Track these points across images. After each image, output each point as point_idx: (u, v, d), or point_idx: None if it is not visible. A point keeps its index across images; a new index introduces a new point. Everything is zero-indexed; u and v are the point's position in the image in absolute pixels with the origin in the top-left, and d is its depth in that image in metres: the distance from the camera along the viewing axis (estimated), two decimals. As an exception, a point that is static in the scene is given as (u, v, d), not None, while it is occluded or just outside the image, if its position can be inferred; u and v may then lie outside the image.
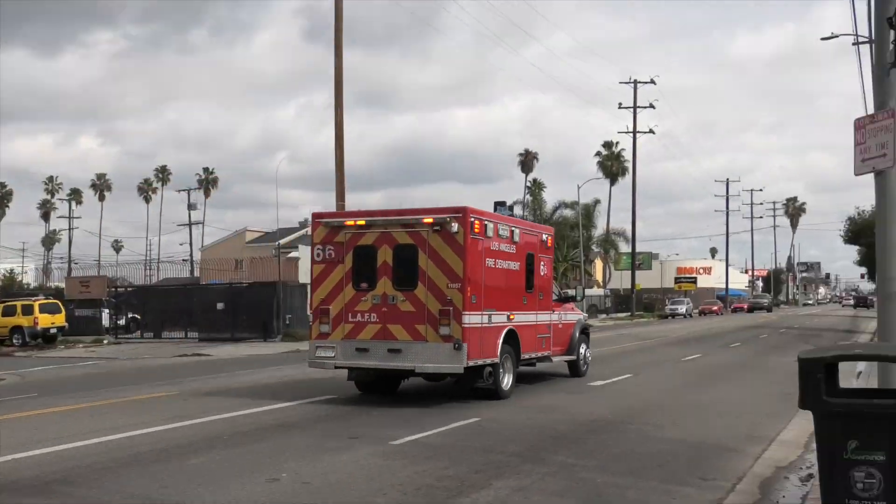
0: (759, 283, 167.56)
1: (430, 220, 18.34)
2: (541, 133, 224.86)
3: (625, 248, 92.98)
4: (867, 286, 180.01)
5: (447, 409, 17.40)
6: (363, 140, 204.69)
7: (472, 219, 18.47)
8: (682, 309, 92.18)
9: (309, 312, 20.14)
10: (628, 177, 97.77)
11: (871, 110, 12.25)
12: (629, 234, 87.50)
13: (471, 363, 18.12)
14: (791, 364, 16.95)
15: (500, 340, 19.10)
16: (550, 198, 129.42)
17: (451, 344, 17.94)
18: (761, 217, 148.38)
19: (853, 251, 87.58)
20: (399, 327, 18.46)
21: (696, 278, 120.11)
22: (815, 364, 8.16)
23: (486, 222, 18.94)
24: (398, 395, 19.96)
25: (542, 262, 21.65)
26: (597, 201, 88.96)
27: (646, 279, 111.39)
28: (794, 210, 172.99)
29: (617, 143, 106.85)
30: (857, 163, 11.60)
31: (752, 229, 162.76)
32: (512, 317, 19.79)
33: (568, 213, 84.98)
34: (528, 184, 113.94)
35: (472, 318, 18.14)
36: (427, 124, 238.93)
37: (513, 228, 20.14)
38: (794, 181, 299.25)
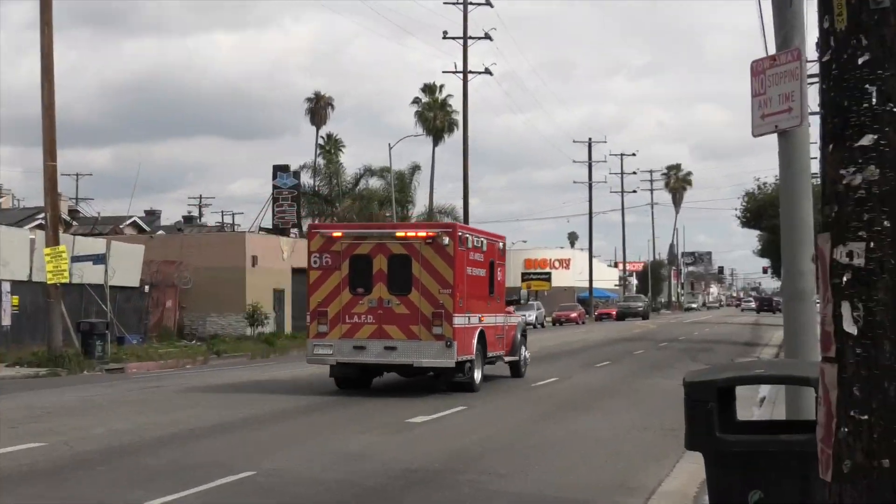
0: (634, 282, 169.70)
1: (424, 235, 27.83)
2: (337, 71, 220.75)
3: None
4: (771, 284, 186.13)
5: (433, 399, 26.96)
6: (84, 74, 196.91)
7: (461, 233, 28.30)
8: (531, 316, 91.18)
9: (308, 314, 28.41)
10: (458, 134, 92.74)
11: (772, 50, 12.56)
12: (460, 212, 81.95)
13: (459, 359, 27.54)
14: (674, 389, 17.72)
15: (475, 340, 28.80)
16: (352, 161, 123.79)
17: (444, 342, 27.30)
18: (635, 191, 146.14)
19: (753, 237, 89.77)
20: (394, 327, 27.61)
21: (550, 274, 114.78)
22: (706, 389, 8.26)
23: (467, 236, 28.82)
24: (374, 388, 29.36)
25: (498, 269, 31.46)
26: (415, 167, 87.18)
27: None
28: (676, 182, 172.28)
29: (442, 86, 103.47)
30: (756, 120, 11.86)
31: (622, 207, 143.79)
32: (482, 318, 29.61)
33: (376, 183, 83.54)
34: (321, 141, 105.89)
35: (459, 320, 27.60)
36: (175, 54, 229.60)
37: (482, 239, 30.12)
38: (676, 143, 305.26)
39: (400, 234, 28.42)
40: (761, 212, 72.25)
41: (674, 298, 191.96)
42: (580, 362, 41.87)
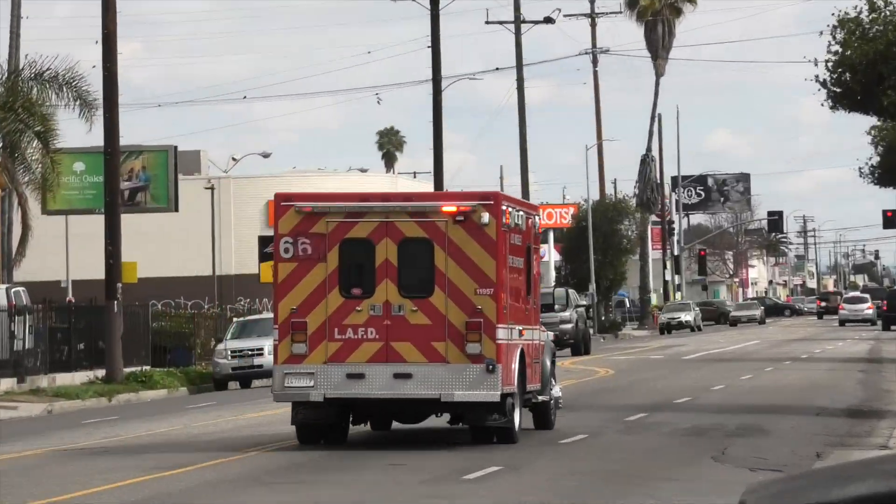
0: (552, 257, 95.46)
1: (454, 209, 20.68)
2: None
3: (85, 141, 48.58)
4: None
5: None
6: None
7: (506, 207, 21.06)
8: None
9: (274, 327, 21.09)
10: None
11: None
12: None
13: (505, 390, 20.44)
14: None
15: (517, 364, 21.20)
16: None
17: (483, 365, 20.28)
18: (550, 20, 73.31)
19: (856, 134, 40.20)
20: (408, 345, 20.51)
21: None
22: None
23: (510, 210, 21.35)
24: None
25: (534, 257, 23.70)
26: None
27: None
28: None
29: None
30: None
31: (519, 61, 75.40)
32: (523, 332, 22.03)
33: None
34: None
35: (503, 333, 20.61)
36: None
37: (521, 213, 22.29)
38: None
39: (417, 208, 21.42)
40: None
41: (653, 294, 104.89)
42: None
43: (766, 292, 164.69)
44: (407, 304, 20.62)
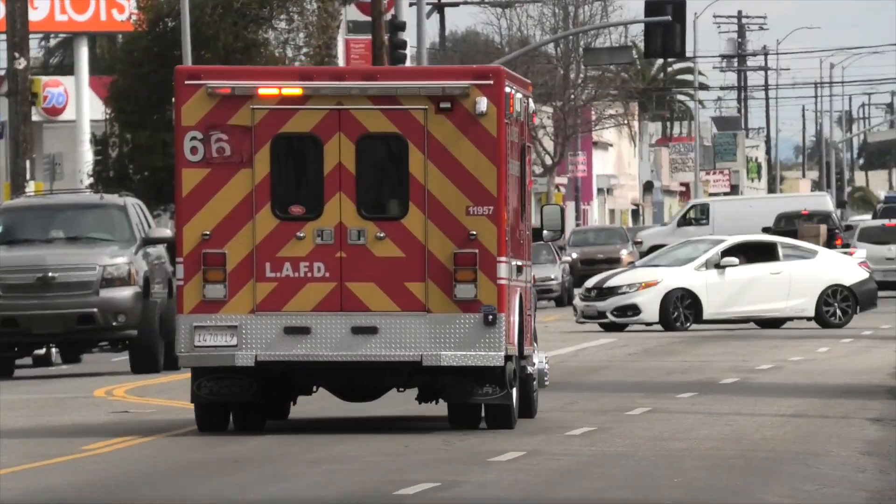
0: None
1: (437, 92, 15.52)
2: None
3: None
4: None
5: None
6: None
7: (509, 89, 15.85)
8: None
9: (178, 260, 15.83)
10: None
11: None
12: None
13: (508, 350, 15.57)
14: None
15: (517, 315, 16.19)
16: None
17: (479, 315, 15.40)
18: None
19: None
20: (372, 287, 15.51)
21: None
22: None
23: (515, 93, 16.19)
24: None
25: (528, 159, 18.09)
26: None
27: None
28: None
29: None
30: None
31: None
32: (522, 269, 16.86)
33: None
34: None
35: (504, 270, 15.66)
36: None
37: (522, 96, 16.76)
38: None
39: (384, 90, 15.83)
40: None
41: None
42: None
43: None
44: (370, 228, 15.49)
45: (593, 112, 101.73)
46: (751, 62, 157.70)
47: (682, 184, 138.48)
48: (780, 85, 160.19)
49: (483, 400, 15.72)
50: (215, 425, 16.02)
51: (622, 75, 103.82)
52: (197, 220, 15.56)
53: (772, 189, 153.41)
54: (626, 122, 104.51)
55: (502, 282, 15.54)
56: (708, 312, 39.47)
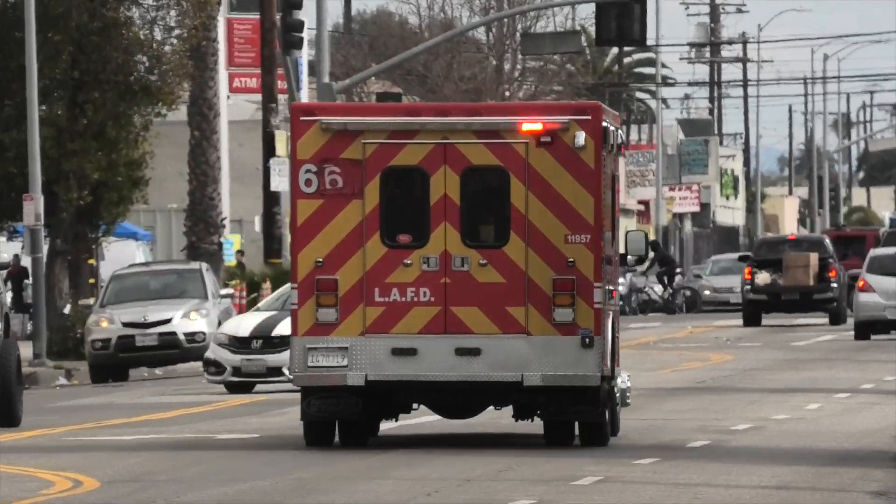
0: None
1: (537, 127, 20.04)
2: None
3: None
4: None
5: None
6: None
7: (607, 124, 20.47)
8: None
9: (293, 286, 20.71)
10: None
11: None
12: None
13: (604, 371, 20.15)
14: None
15: (610, 336, 20.86)
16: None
17: (577, 337, 19.80)
18: None
19: None
20: (475, 311, 19.97)
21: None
22: None
23: (610, 127, 20.85)
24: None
25: (617, 188, 22.86)
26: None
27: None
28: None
29: None
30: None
31: None
32: (613, 294, 21.74)
33: None
34: None
35: (600, 295, 20.16)
36: None
37: (617, 130, 21.77)
38: None
39: (487, 125, 20.51)
40: None
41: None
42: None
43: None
44: (473, 255, 20.13)
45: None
46: (726, 52, 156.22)
47: (640, 202, 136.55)
48: (763, 80, 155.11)
49: (578, 418, 20.37)
50: (323, 440, 20.73)
51: (568, 67, 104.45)
52: (311, 247, 20.11)
53: (751, 208, 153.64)
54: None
55: (598, 306, 19.96)
56: None
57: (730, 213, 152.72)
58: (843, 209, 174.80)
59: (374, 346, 19.96)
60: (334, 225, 20.03)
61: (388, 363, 19.89)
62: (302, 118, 20.44)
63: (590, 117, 20.08)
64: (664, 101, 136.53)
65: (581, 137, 19.79)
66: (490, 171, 20.16)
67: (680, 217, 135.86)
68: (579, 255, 19.81)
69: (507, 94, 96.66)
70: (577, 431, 21.07)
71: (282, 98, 67.71)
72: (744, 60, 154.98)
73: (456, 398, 20.92)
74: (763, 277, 75.45)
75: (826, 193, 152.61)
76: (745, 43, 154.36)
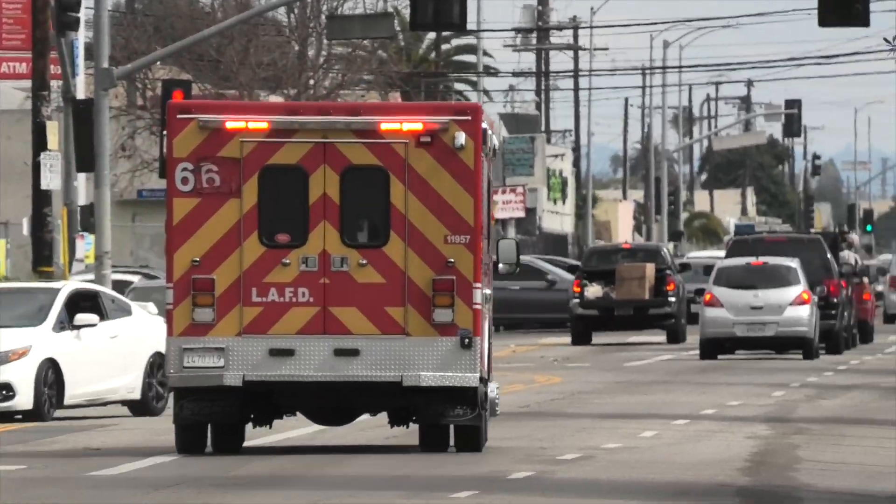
0: None
1: (417, 127, 22.34)
2: None
3: None
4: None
5: None
6: None
7: (486, 125, 22.84)
8: None
9: (168, 285, 22.59)
10: None
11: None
12: None
13: (482, 373, 22.58)
14: None
15: (486, 339, 23.24)
16: None
17: (456, 338, 22.10)
18: None
19: None
20: (354, 311, 22.19)
21: None
22: None
23: (489, 129, 23.20)
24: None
25: (491, 193, 25.11)
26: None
27: None
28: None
29: None
30: None
31: None
32: (489, 297, 24.04)
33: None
34: None
35: (479, 297, 22.47)
36: None
37: (492, 133, 24.06)
38: None
39: (367, 124, 22.81)
40: None
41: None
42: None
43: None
44: (352, 255, 22.29)
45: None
46: (555, 39, 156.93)
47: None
48: (595, 70, 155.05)
49: (455, 421, 22.54)
50: (195, 446, 22.71)
51: (380, 54, 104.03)
52: (187, 247, 22.14)
53: (581, 214, 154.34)
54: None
55: (477, 307, 22.27)
56: (70, 395, 36.28)
57: (558, 218, 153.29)
58: (684, 215, 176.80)
59: (251, 347, 22.12)
60: (211, 224, 22.14)
61: (266, 364, 22.07)
62: (178, 116, 22.51)
63: (470, 118, 22.51)
64: (486, 92, 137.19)
65: (461, 138, 22.14)
66: (370, 171, 22.38)
67: (503, 223, 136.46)
68: (459, 255, 22.16)
69: (312, 81, 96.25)
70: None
71: (55, 85, 67.05)
72: (575, 48, 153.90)
73: (334, 399, 23.04)
74: (594, 291, 75.90)
75: (664, 197, 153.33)
76: (576, 28, 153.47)
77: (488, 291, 23.60)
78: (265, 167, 22.32)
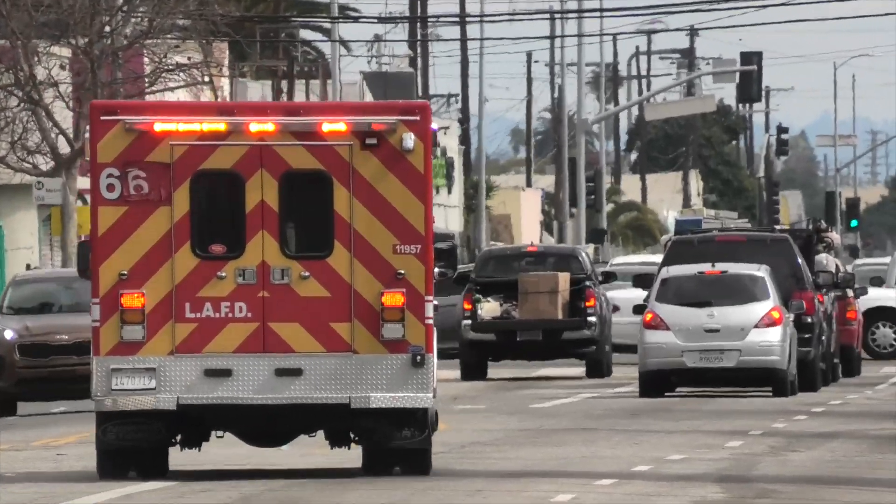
0: None
1: (363, 129, 25.24)
2: None
3: None
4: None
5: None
6: None
7: (435, 125, 26.27)
8: None
9: (94, 301, 25.30)
10: None
11: None
12: None
13: (434, 393, 26.05)
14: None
15: (436, 355, 26.53)
16: None
17: (408, 355, 25.25)
18: None
19: None
20: (297, 327, 25.25)
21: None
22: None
23: (435, 128, 26.52)
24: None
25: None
26: None
27: None
28: None
29: None
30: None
31: None
32: (437, 309, 27.20)
33: None
34: None
35: (431, 310, 25.64)
36: None
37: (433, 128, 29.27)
38: None
39: (307, 125, 26.01)
40: None
41: None
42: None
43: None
44: (294, 267, 25.23)
45: (147, 59, 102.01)
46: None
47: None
48: (489, 16, 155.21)
49: (404, 444, 25.61)
50: (118, 472, 25.60)
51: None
52: (113, 259, 24.96)
53: (472, 207, 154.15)
54: (207, 77, 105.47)
55: (429, 321, 25.36)
56: None
57: (441, 213, 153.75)
58: (608, 207, 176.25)
59: (184, 367, 25.06)
60: (140, 234, 25.04)
61: (201, 385, 25.00)
62: (102, 117, 25.37)
63: (418, 118, 25.50)
64: (344, 44, 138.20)
65: (410, 140, 25.16)
66: (311, 176, 25.37)
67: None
68: (409, 266, 25.25)
69: (108, 29, 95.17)
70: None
71: None
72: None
73: (274, 423, 26.14)
74: (490, 308, 76.28)
75: (582, 184, 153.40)
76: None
77: (437, 303, 26.57)
78: (197, 173, 25.22)
